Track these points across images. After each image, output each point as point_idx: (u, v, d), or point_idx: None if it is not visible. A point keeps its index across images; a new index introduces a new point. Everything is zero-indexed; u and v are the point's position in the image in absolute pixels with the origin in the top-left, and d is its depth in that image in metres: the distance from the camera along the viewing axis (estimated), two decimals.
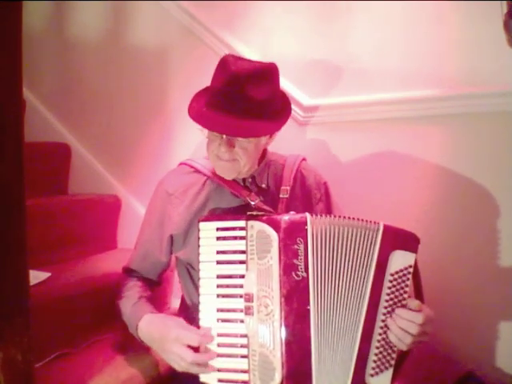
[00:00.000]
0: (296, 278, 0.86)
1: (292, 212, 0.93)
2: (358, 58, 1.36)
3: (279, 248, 0.86)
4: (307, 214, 0.89)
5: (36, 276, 1.24)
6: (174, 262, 1.18)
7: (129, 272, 1.17)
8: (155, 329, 0.98)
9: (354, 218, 0.90)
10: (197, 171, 1.12)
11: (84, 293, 1.29)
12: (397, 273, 0.90)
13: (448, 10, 1.22)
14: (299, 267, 0.86)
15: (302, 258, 0.86)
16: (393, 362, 0.89)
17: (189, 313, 1.11)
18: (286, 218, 0.88)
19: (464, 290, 1.24)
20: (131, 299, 1.07)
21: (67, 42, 1.94)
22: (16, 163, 0.71)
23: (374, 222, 0.90)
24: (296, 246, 0.86)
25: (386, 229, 0.90)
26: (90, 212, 1.71)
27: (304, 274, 0.86)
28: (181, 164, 1.17)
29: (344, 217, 0.90)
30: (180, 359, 0.90)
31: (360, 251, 0.89)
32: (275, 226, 0.87)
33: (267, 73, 0.98)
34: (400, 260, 0.90)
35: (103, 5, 1.82)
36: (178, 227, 1.09)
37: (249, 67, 0.95)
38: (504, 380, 1.19)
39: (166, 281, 1.55)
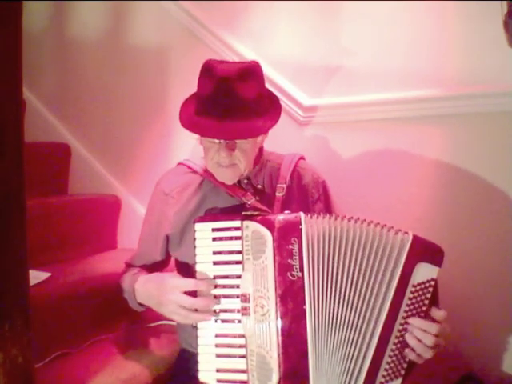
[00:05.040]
0: (291, 278, 0.85)
1: (287, 211, 0.92)
2: (358, 57, 1.36)
3: (274, 248, 0.85)
4: (301, 214, 0.88)
5: (36, 276, 1.24)
6: (174, 261, 1.18)
7: (129, 266, 1.19)
8: (151, 284, 1.01)
9: (379, 224, 0.87)
10: (194, 171, 1.13)
11: (84, 293, 1.29)
12: (419, 284, 0.87)
13: (448, 10, 1.22)
14: (294, 267, 0.85)
15: (297, 257, 0.85)
16: (403, 372, 0.87)
17: None
18: (280, 217, 0.88)
19: (465, 289, 1.24)
20: (130, 274, 1.11)
21: (67, 42, 1.94)
22: (16, 163, 0.72)
23: (396, 231, 0.87)
24: (290, 246, 0.85)
25: (415, 240, 0.87)
26: (90, 212, 1.71)
27: (299, 274, 0.85)
28: (179, 164, 1.18)
29: (352, 219, 0.88)
30: (179, 307, 0.91)
31: (379, 258, 0.86)
32: (269, 225, 0.87)
33: (253, 71, 1.00)
34: (424, 272, 0.87)
35: (103, 5, 1.82)
36: (174, 227, 1.09)
37: (234, 68, 0.96)
38: (504, 380, 1.19)
39: None
